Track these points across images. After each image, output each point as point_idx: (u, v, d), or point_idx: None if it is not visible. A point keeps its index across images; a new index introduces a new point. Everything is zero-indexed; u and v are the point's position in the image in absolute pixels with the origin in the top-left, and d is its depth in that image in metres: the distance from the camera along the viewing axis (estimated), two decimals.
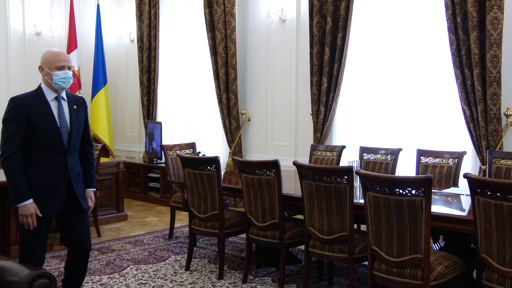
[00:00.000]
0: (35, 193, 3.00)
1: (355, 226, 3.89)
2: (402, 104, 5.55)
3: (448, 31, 4.84)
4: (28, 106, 2.99)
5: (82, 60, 8.24)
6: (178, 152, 5.61)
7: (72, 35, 8.01)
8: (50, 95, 3.08)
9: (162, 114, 8.26)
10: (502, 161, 4.29)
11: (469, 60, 4.75)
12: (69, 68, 3.11)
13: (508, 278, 2.78)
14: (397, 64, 5.61)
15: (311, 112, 6.12)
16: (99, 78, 8.23)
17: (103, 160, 6.37)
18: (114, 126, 8.77)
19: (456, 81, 4.85)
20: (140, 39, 8.27)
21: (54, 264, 4.68)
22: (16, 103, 3.00)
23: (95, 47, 8.26)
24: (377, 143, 5.44)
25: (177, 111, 8.09)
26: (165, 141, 7.87)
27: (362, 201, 3.31)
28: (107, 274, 4.38)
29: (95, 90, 8.25)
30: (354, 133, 5.99)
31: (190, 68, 7.84)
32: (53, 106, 3.08)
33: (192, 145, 5.92)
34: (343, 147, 5.39)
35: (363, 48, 5.87)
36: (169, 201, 5.65)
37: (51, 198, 3.06)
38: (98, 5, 8.30)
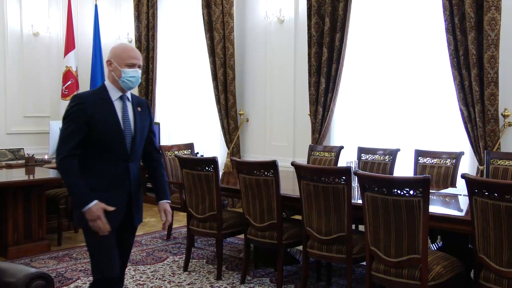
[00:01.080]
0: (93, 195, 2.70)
1: (353, 226, 3.89)
2: (400, 105, 5.56)
3: (446, 32, 4.85)
4: (91, 105, 2.71)
5: (79, 60, 8.21)
6: (176, 152, 5.61)
7: (70, 36, 7.99)
8: (114, 94, 2.80)
9: (160, 114, 8.25)
10: (500, 161, 4.30)
11: (467, 60, 4.75)
12: (139, 67, 2.85)
13: (505, 278, 2.78)
14: (395, 64, 5.61)
15: (309, 113, 6.13)
16: (97, 79, 8.20)
17: None
18: None
19: (454, 82, 4.86)
20: (138, 40, 8.27)
21: (52, 265, 4.67)
22: (78, 101, 2.72)
23: (93, 47, 8.24)
24: (375, 143, 5.45)
25: (175, 112, 8.08)
26: (163, 142, 7.87)
27: (360, 201, 3.31)
28: None
29: None
30: (352, 133, 5.99)
31: (188, 69, 7.83)
32: (117, 106, 2.79)
33: (190, 146, 5.92)
34: (341, 147, 5.39)
35: (361, 49, 5.87)
36: None
37: (111, 206, 2.72)
38: (96, 6, 8.29)
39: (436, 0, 5.04)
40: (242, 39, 7.07)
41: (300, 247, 3.99)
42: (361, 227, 4.01)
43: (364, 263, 3.40)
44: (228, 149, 7.03)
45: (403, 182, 3.01)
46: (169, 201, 3.04)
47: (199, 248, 5.22)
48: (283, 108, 6.62)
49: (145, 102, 2.99)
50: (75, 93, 2.93)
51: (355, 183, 3.79)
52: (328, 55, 5.85)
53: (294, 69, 6.49)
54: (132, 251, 5.04)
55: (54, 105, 8.15)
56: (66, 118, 2.72)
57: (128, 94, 2.86)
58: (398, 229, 3.03)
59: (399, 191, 2.99)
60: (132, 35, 8.58)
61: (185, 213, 4.61)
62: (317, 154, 5.51)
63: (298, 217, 4.14)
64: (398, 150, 5.00)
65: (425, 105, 5.37)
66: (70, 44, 7.99)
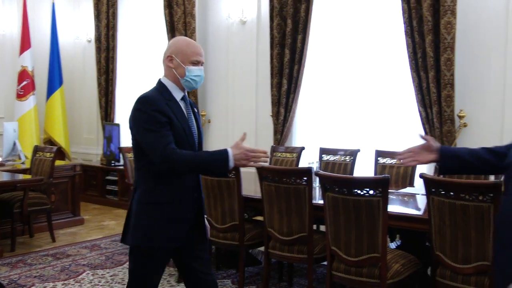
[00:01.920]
0: (161, 214, 2.38)
1: (315, 226, 3.91)
2: (360, 106, 5.63)
3: (405, 35, 4.95)
4: (165, 107, 2.39)
5: (36, 60, 7.98)
6: None
7: (25, 34, 7.76)
8: (177, 94, 2.50)
9: (120, 115, 8.10)
10: None
11: (425, 63, 4.86)
12: (202, 64, 2.55)
13: (460, 274, 2.87)
14: (355, 66, 5.69)
15: (271, 114, 6.14)
16: (55, 79, 8.00)
17: (58, 163, 6.18)
18: (71, 128, 8.54)
19: (413, 83, 4.96)
20: (97, 39, 8.10)
21: (4, 272, 4.50)
22: (153, 104, 2.37)
23: (51, 46, 8.02)
24: (336, 144, 5.50)
25: None
26: (124, 143, 7.70)
27: (321, 201, 3.33)
28: (61, 281, 4.25)
29: (50, 91, 8.02)
30: (313, 134, 6.04)
31: (149, 70, 7.71)
32: (182, 107, 2.50)
33: None
34: (303, 148, 5.42)
35: (323, 51, 5.93)
36: (127, 204, 5.53)
37: (178, 223, 2.43)
38: (53, 4, 8.07)
39: (395, 4, 5.14)
40: (204, 39, 7.03)
41: (262, 248, 3.99)
42: (322, 227, 4.03)
43: (325, 262, 3.42)
44: None
45: (363, 182, 3.04)
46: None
47: None
48: (245, 109, 6.60)
49: (194, 104, 2.71)
50: (142, 95, 2.47)
51: (316, 184, 3.81)
52: (290, 56, 5.87)
53: (257, 70, 6.49)
54: (90, 255, 4.97)
55: (8, 106, 7.90)
56: (146, 127, 2.34)
57: (186, 94, 2.57)
58: (358, 228, 3.06)
59: (359, 191, 3.02)
60: (91, 35, 8.39)
61: None
62: (279, 155, 5.52)
63: (260, 218, 4.13)
64: (358, 150, 5.06)
65: (385, 106, 5.46)
66: (25, 43, 7.76)
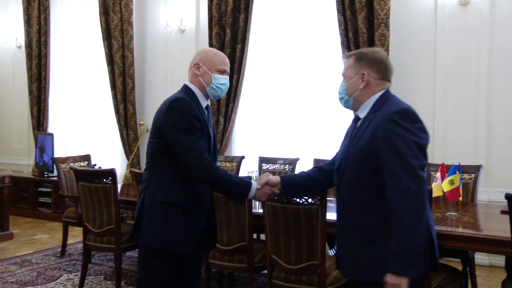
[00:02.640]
0: (177, 217, 2.44)
1: (255, 235, 3.91)
2: (299, 115, 5.72)
3: (342, 46, 5.09)
4: (197, 112, 2.46)
5: None
6: (71, 165, 5.32)
7: None
8: (203, 102, 2.55)
9: (54, 125, 7.81)
10: None
11: None
12: (228, 74, 2.62)
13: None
14: (294, 76, 5.78)
15: None
16: None
17: None
18: None
19: None
20: (28, 45, 7.77)
21: None
22: (190, 108, 2.42)
23: None
24: (275, 153, 5.55)
25: (71, 122, 7.70)
26: (58, 154, 7.42)
27: (261, 210, 3.33)
28: None
29: None
30: (253, 143, 6.07)
31: (85, 77, 7.51)
32: (206, 115, 2.56)
33: (87, 157, 5.65)
34: (242, 157, 5.42)
35: (262, 60, 5.99)
36: (62, 216, 5.33)
37: (192, 230, 2.49)
38: None
39: (332, 15, 5.28)
40: (142, 48, 6.91)
41: None
42: (263, 236, 4.04)
43: (266, 271, 3.42)
44: (128, 161, 6.81)
45: None
46: None
47: (96, 264, 4.96)
48: None
49: (210, 109, 2.70)
50: (177, 96, 2.47)
51: None
52: (230, 66, 5.87)
53: None
54: (20, 271, 4.72)
55: None
56: (188, 129, 2.39)
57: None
58: (297, 236, 3.08)
59: (298, 200, 3.04)
60: (21, 40, 8.04)
61: (81, 228, 4.36)
62: (219, 164, 5.49)
63: None
64: (297, 159, 5.13)
65: (323, 115, 5.57)
66: None
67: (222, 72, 2.56)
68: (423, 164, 2.05)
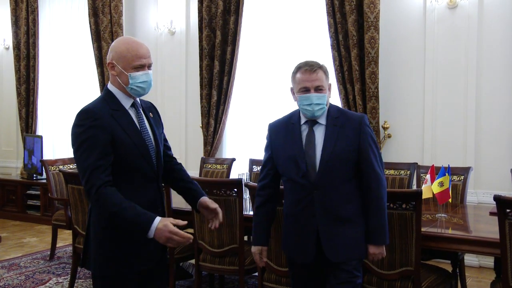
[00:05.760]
0: (125, 238, 2.17)
1: (246, 238, 3.90)
2: None
3: (331, 48, 5.11)
4: (107, 120, 2.15)
5: None
6: (61, 167, 5.28)
7: None
8: (126, 102, 2.26)
9: (43, 127, 7.75)
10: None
11: (351, 75, 5.03)
12: (149, 66, 2.26)
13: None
14: (284, 78, 5.77)
15: (201, 125, 6.10)
16: None
17: None
18: None
19: (339, 95, 5.11)
20: (16, 47, 7.71)
21: None
22: (93, 117, 2.13)
23: None
24: None
25: (61, 124, 7.63)
26: (47, 156, 7.36)
27: (251, 213, 3.32)
28: None
29: None
30: (243, 145, 6.06)
31: (75, 79, 7.45)
32: (133, 116, 2.27)
33: None
34: (233, 159, 5.41)
35: (253, 62, 5.99)
36: (51, 219, 5.29)
37: (146, 243, 2.21)
38: None
39: (322, 18, 5.29)
40: None
41: (193, 261, 3.92)
42: None
43: (256, 273, 3.42)
44: None
45: None
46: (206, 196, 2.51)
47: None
48: (175, 121, 6.52)
49: (153, 106, 2.46)
50: (83, 108, 2.19)
51: (246, 195, 3.81)
52: (220, 67, 5.88)
53: (186, 81, 6.44)
54: (7, 275, 4.67)
55: None
56: (84, 143, 2.11)
57: (138, 99, 2.34)
58: None
59: None
60: (9, 42, 7.98)
61: (71, 231, 4.33)
62: (209, 166, 5.48)
63: (190, 230, 4.06)
64: None
65: None
66: None
67: (139, 68, 2.22)
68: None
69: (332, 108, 2.57)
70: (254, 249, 2.69)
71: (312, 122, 2.52)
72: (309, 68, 2.51)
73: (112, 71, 2.25)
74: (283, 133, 2.58)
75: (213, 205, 2.42)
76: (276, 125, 2.68)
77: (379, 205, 2.47)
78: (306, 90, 2.49)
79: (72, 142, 2.18)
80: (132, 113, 2.27)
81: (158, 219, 2.09)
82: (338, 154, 2.43)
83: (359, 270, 2.51)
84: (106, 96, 2.26)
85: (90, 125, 2.12)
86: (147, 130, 2.30)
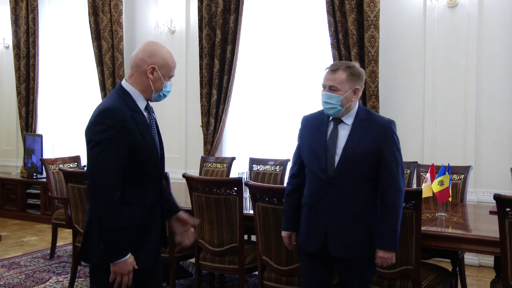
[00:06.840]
0: (126, 238, 2.15)
1: (246, 237, 3.90)
2: (290, 116, 5.72)
3: (331, 47, 5.10)
4: (130, 122, 2.13)
5: None
6: (61, 166, 5.28)
7: None
8: (141, 103, 2.24)
9: (43, 126, 7.75)
10: None
11: None
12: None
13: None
14: (285, 77, 5.78)
15: (201, 124, 6.10)
16: None
17: None
18: None
19: None
20: (16, 46, 7.71)
21: None
22: (116, 118, 2.09)
23: None
24: (266, 154, 5.55)
25: (60, 123, 7.64)
26: (47, 155, 7.37)
27: (251, 212, 3.33)
28: None
29: None
30: (244, 144, 6.06)
31: (74, 78, 7.45)
32: (146, 118, 2.27)
33: (76, 159, 5.61)
34: (233, 158, 5.41)
35: (253, 61, 5.99)
36: (51, 218, 5.29)
37: (145, 243, 2.25)
38: None
39: (322, 17, 5.29)
40: (132, 48, 6.87)
41: (193, 260, 3.93)
42: (254, 237, 4.04)
43: (257, 272, 3.42)
44: None
45: None
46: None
47: (86, 266, 4.92)
48: (175, 120, 6.52)
49: (151, 107, 2.39)
50: (104, 106, 2.12)
51: (246, 194, 3.81)
52: (220, 66, 5.88)
53: (186, 80, 6.44)
54: (8, 274, 4.68)
55: None
56: (102, 143, 2.07)
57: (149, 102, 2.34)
58: None
59: None
60: (9, 41, 7.98)
61: (71, 230, 4.33)
62: (209, 165, 5.48)
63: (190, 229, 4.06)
64: (288, 160, 5.12)
65: None
66: None
67: (171, 78, 2.30)
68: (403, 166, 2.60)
69: (361, 110, 2.62)
70: (284, 233, 2.78)
71: (337, 120, 2.59)
72: (330, 67, 2.61)
73: (149, 75, 2.21)
74: (312, 127, 2.67)
75: (191, 220, 2.50)
76: (308, 118, 2.77)
77: (394, 212, 2.50)
78: (323, 88, 2.62)
79: (88, 139, 2.13)
80: (146, 115, 2.27)
81: (129, 254, 2.14)
82: (358, 154, 2.49)
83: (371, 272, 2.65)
84: (124, 95, 2.21)
85: (111, 125, 2.09)
86: (156, 133, 2.32)
